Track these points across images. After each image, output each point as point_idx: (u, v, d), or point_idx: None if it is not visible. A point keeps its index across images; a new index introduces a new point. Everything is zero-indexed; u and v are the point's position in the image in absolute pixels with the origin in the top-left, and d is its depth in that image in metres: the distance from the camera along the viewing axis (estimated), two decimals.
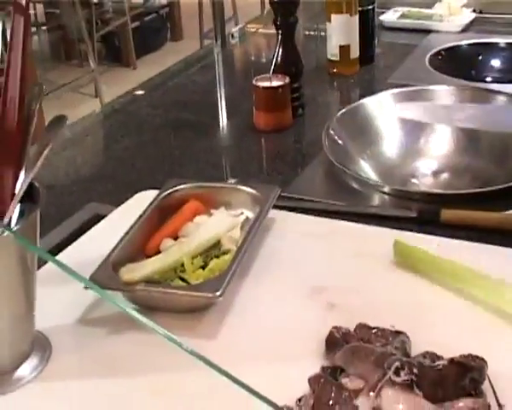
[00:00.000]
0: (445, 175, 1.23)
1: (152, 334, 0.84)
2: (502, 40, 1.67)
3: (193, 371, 0.77)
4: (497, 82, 1.54)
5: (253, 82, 1.37)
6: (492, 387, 0.73)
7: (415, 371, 0.69)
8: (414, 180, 1.21)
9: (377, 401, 0.66)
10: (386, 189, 1.14)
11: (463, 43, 1.70)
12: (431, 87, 1.35)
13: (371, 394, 0.68)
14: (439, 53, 1.66)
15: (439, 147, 1.26)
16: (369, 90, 1.43)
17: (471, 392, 0.71)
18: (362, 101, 1.33)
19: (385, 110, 1.31)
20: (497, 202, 1.05)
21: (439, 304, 0.87)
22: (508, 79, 1.53)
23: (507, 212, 1.04)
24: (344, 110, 1.30)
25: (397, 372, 0.68)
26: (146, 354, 0.82)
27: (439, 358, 0.73)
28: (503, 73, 1.62)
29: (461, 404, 0.68)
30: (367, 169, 1.22)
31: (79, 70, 5.00)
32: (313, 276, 0.93)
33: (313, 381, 0.72)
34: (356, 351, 0.74)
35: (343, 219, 1.05)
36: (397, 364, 0.69)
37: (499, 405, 0.72)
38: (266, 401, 0.56)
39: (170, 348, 0.81)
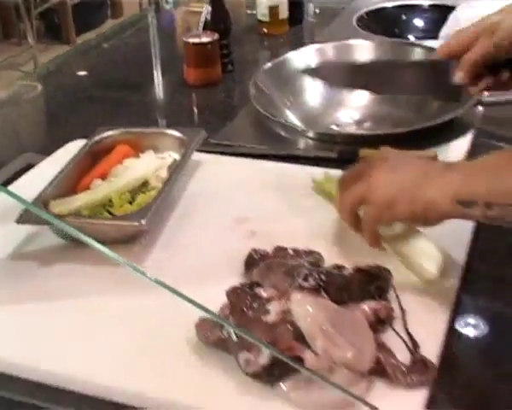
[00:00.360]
0: (366, 124, 1.29)
1: (79, 264, 0.89)
2: (425, 2, 1.74)
3: (117, 296, 0.83)
4: (419, 40, 1.61)
5: (183, 38, 1.41)
6: (396, 294, 0.80)
7: (322, 277, 0.75)
8: (336, 128, 1.27)
9: (287, 304, 0.72)
10: (309, 134, 1.20)
11: (389, 4, 1.76)
12: (352, 42, 1.41)
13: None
14: (365, 14, 1.73)
15: (360, 98, 1.32)
16: (297, 49, 1.48)
17: (375, 297, 0.77)
18: (287, 55, 1.38)
19: (309, 64, 1.36)
20: (414, 142, 1.12)
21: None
22: (429, 37, 1.60)
23: (422, 151, 1.10)
24: (270, 64, 1.36)
25: (305, 279, 0.74)
26: (75, 283, 0.87)
27: (347, 269, 0.80)
28: (426, 32, 1.69)
29: (364, 305, 0.74)
30: (292, 117, 1.28)
31: (18, 49, 4.94)
32: (236, 208, 0.99)
33: (230, 293, 0.77)
34: (270, 266, 0.80)
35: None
36: (305, 272, 0.75)
37: (402, 310, 0.78)
38: (202, 308, 0.59)
39: (95, 277, 0.87)
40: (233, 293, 0.77)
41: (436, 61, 1.06)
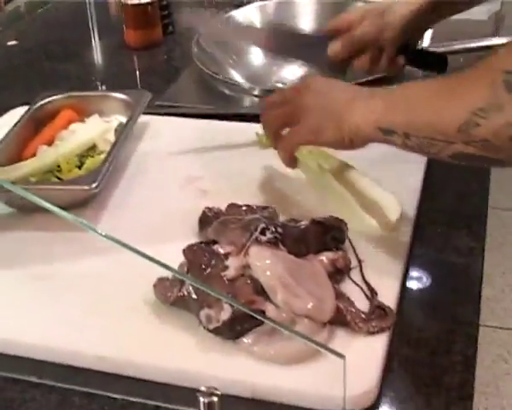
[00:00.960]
0: None
1: (29, 231, 0.87)
2: None
3: (71, 261, 0.82)
4: None
5: (122, 0, 1.38)
6: (352, 245, 0.81)
7: (279, 230, 0.75)
8: (281, 85, 1.27)
9: (245, 259, 0.72)
10: (254, 91, 1.19)
11: None
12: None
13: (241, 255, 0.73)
14: None
15: (304, 55, 1.32)
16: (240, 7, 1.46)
17: (332, 248, 0.78)
18: (230, 13, 1.37)
19: (252, 22, 1.35)
20: None
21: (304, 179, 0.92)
22: None
23: None
24: (212, 23, 1.34)
25: (262, 232, 0.74)
26: (26, 251, 0.85)
27: (302, 222, 0.80)
28: None
29: (322, 256, 0.75)
30: (236, 76, 1.27)
31: None
32: (186, 168, 0.98)
33: (187, 251, 0.76)
34: (225, 223, 0.80)
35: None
36: (262, 225, 0.75)
37: (359, 260, 0.79)
38: (162, 265, 0.58)
39: (47, 244, 0.85)
40: (190, 251, 0.76)
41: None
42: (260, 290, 0.70)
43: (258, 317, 0.66)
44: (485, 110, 0.63)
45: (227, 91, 1.21)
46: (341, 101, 0.80)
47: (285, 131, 0.87)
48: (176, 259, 0.76)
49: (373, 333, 0.70)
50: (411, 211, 0.87)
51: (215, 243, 0.79)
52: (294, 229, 0.76)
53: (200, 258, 0.75)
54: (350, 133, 0.78)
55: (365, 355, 0.68)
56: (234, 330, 0.69)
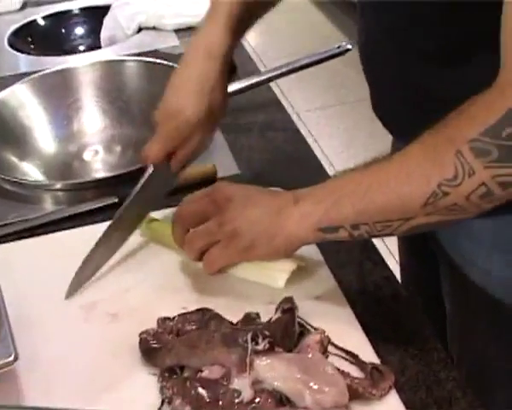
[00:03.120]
0: (116, 148, 1.24)
1: None
2: (75, 7, 1.67)
3: None
4: (92, 48, 1.55)
5: None
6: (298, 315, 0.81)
7: (266, 333, 0.73)
8: (85, 166, 1.19)
9: (253, 374, 0.69)
10: (57, 185, 1.11)
11: (38, 17, 1.65)
12: (54, 69, 1.31)
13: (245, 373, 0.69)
14: (15, 33, 1.59)
15: (92, 125, 1.26)
16: None
17: (302, 332, 0.78)
18: None
19: (24, 102, 1.23)
20: None
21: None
22: (96, 43, 1.56)
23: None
24: None
25: (255, 341, 0.71)
26: None
27: (258, 316, 0.79)
28: (91, 39, 1.63)
29: (309, 342, 0.75)
30: (30, 171, 1.16)
31: None
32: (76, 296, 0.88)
33: (176, 388, 0.70)
34: (192, 343, 0.75)
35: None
36: (249, 334, 0.72)
37: (314, 328, 0.80)
38: None
39: None
40: (179, 387, 0.71)
41: None
42: (282, 400, 0.68)
43: None
44: (456, 178, 0.68)
45: (25, 192, 1.10)
46: (269, 213, 0.79)
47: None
48: (145, 402, 0.72)
49: (384, 395, 0.73)
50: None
51: (182, 368, 0.74)
52: (276, 326, 0.75)
53: (196, 393, 0.69)
54: (285, 244, 0.79)
55: None
56: None
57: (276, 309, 0.78)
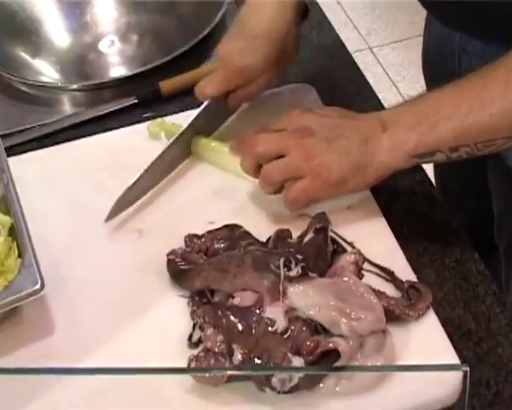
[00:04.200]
0: (128, 40, 1.17)
1: None
2: None
3: None
4: None
5: None
6: (334, 232, 0.78)
7: (299, 257, 0.70)
8: (101, 58, 1.13)
9: (287, 302, 0.66)
10: (74, 85, 1.06)
11: None
12: None
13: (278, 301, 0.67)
14: None
15: (106, 14, 1.19)
16: None
17: (336, 250, 0.75)
18: None
19: None
20: (196, 57, 1.06)
21: (240, 186, 0.85)
22: None
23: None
24: None
25: (288, 267, 0.68)
26: None
27: (290, 233, 0.76)
28: None
29: (343, 264, 0.72)
30: (44, 69, 1.10)
31: None
32: (96, 208, 0.83)
33: (204, 316, 0.68)
34: (220, 267, 0.72)
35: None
36: (282, 259, 0.69)
37: (350, 244, 0.77)
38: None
39: None
40: (206, 314, 0.68)
41: None
42: (315, 330, 0.66)
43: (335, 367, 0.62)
44: None
45: (42, 94, 1.05)
46: (357, 143, 0.73)
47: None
48: (174, 327, 0.70)
49: (422, 315, 0.70)
50: None
51: (212, 292, 0.71)
52: (309, 248, 0.72)
53: (229, 321, 0.67)
54: (376, 175, 0.74)
55: (432, 337, 0.69)
56: (311, 379, 0.65)
57: (308, 228, 0.74)
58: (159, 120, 0.93)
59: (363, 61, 2.51)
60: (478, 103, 0.69)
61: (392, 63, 2.65)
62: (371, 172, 0.74)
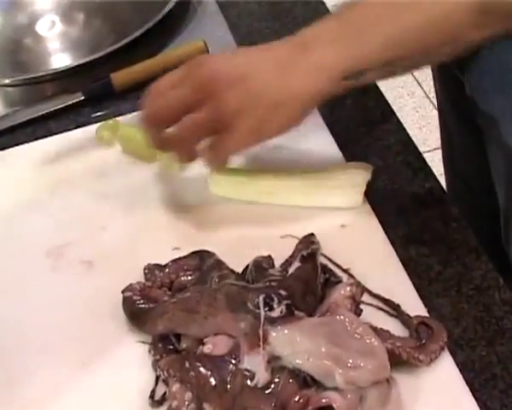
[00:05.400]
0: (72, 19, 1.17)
1: None
2: None
3: None
4: None
5: None
6: (328, 257, 0.77)
7: (282, 293, 0.68)
8: (39, 43, 1.13)
9: (269, 349, 0.65)
10: (7, 80, 1.06)
11: None
12: None
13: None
14: None
15: None
16: None
17: (330, 280, 0.74)
18: None
19: None
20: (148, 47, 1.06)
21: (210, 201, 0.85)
22: None
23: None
24: None
25: (269, 306, 0.67)
26: None
27: (272, 261, 0.75)
28: None
29: (335, 299, 0.71)
30: None
31: None
32: (40, 236, 0.84)
33: (169, 369, 0.67)
34: (187, 307, 0.71)
35: None
36: (262, 297, 0.68)
37: (345, 271, 0.76)
38: None
39: None
40: (171, 367, 0.67)
41: None
42: (307, 381, 0.65)
43: None
44: None
45: None
46: (272, 75, 0.73)
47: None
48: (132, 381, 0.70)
49: (435, 359, 0.69)
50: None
51: (178, 337, 0.70)
52: (294, 281, 0.71)
53: (199, 374, 0.66)
54: (301, 107, 0.73)
55: (447, 387, 0.68)
56: None
57: (294, 255, 0.73)
58: (110, 121, 0.92)
59: None
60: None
61: None
62: (294, 105, 0.73)
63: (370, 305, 0.74)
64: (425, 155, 0.89)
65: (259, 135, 0.75)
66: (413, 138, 0.90)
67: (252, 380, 0.65)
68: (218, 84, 0.73)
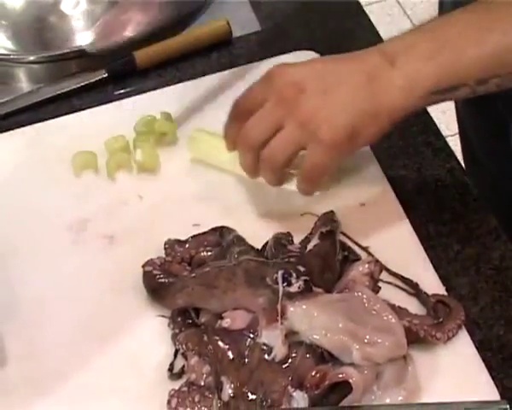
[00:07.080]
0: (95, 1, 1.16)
1: None
2: None
3: None
4: None
5: None
6: (346, 235, 0.77)
7: (301, 269, 0.68)
8: (64, 22, 1.12)
9: (287, 324, 0.66)
10: (31, 57, 1.05)
11: None
12: None
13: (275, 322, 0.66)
14: None
15: None
16: None
17: (348, 256, 0.74)
18: None
19: None
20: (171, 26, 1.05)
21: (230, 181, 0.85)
22: None
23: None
24: None
25: (287, 282, 0.67)
26: None
27: (291, 238, 0.75)
28: None
29: (352, 274, 0.71)
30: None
31: None
32: (62, 211, 0.84)
33: (190, 343, 0.67)
34: (206, 282, 0.71)
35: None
36: (280, 272, 0.68)
37: (364, 250, 0.76)
38: None
39: None
40: (189, 340, 0.68)
41: None
42: (322, 357, 0.65)
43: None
44: None
45: None
46: (360, 88, 0.71)
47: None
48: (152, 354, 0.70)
49: (452, 337, 0.69)
50: None
51: (197, 312, 0.70)
52: (312, 257, 0.71)
53: (217, 348, 0.66)
54: (389, 119, 0.71)
55: (464, 365, 0.68)
56: None
57: (313, 232, 0.73)
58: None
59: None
60: (507, 21, 0.68)
61: None
62: (384, 116, 0.72)
63: (388, 283, 0.73)
64: (448, 139, 0.88)
65: (352, 147, 0.73)
66: (436, 122, 0.90)
67: (269, 354, 0.65)
68: (300, 98, 0.72)
